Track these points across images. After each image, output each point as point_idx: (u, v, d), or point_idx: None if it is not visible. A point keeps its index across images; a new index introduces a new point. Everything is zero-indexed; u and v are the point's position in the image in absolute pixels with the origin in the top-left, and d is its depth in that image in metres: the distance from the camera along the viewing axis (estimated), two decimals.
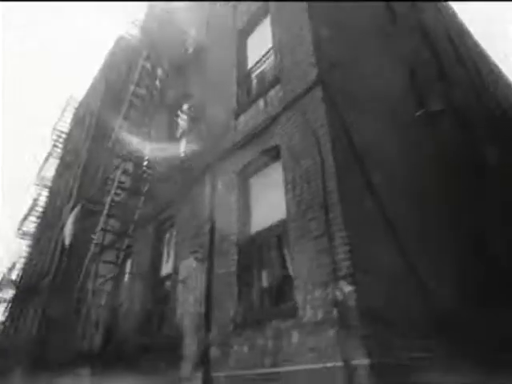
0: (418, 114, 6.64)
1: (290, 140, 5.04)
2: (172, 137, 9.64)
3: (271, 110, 5.66)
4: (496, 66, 20.25)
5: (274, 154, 5.35)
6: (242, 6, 8.12)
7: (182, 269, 6.27)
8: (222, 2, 9.13)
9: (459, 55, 13.79)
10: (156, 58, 10.43)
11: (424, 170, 6.40)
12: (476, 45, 18.64)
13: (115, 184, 9.14)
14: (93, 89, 21.14)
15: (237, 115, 6.61)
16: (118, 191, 9.29)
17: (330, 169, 4.07)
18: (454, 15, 17.54)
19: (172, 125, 9.89)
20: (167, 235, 8.03)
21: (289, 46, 5.85)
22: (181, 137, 9.28)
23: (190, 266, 5.95)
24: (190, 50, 9.64)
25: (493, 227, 8.01)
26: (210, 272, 5.44)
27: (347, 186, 4.08)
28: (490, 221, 8.00)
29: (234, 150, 6.17)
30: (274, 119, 5.47)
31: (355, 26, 7.08)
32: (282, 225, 4.62)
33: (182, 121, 9.51)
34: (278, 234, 4.77)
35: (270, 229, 4.98)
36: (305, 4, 5.80)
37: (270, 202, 5.27)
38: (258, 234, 5.21)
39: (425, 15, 12.44)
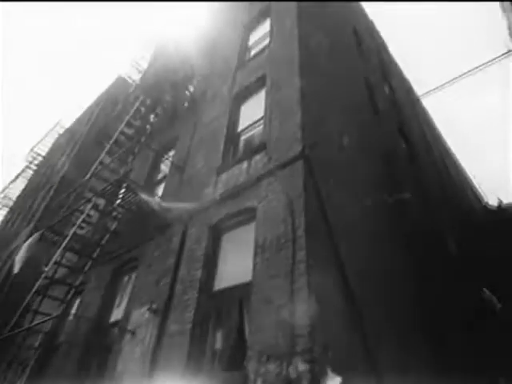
0: (389, 199, 7.09)
1: (266, 204, 5.22)
2: (151, 180, 9.70)
3: (254, 173, 5.91)
4: (459, 164, 22.35)
5: (249, 215, 5.48)
6: (243, 75, 8.84)
7: (134, 317, 5.91)
8: (223, 70, 9.89)
9: (429, 147, 15.24)
10: (151, 104, 10.85)
11: (391, 251, 6.69)
12: (444, 142, 20.75)
13: (82, 217, 8.87)
14: (82, 119, 21.31)
15: (219, 172, 6.83)
16: (83, 224, 8.99)
17: (301, 239, 4.20)
18: (425, 113, 19.72)
19: (154, 168, 9.99)
20: (125, 278, 7.68)
21: (279, 118, 6.32)
22: (160, 182, 9.36)
23: (143, 315, 5.63)
24: (186, 104, 10.14)
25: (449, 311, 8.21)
26: (162, 326, 5.16)
27: (316, 259, 4.18)
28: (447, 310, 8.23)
29: (211, 205, 6.27)
30: (254, 182, 5.69)
31: (342, 110, 7.82)
32: (246, 287, 4.58)
33: (165, 166, 9.66)
34: (240, 296, 4.70)
35: (233, 289, 4.91)
36: (298, 84, 6.41)
37: (237, 262, 5.26)
38: (221, 292, 5.11)
39: (404, 111, 13.91)
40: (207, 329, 4.83)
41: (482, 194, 23.82)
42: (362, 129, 8.53)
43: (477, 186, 22.63)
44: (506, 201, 18.91)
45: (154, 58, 15.05)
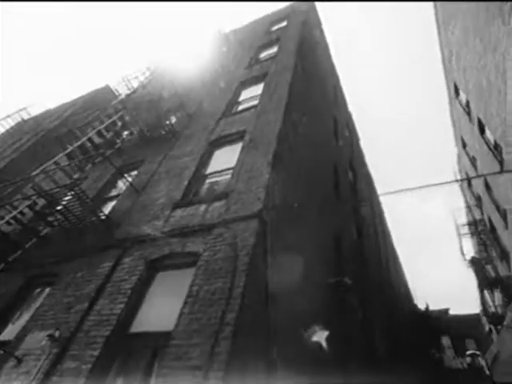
0: (331, 280, 7.21)
1: (212, 254, 5.09)
2: (103, 194, 9.24)
3: (208, 219, 5.83)
4: (399, 263, 23.64)
5: (191, 259, 5.28)
6: (225, 124, 9.12)
7: (28, 342, 5.17)
8: (209, 113, 10.19)
9: (378, 243, 16.04)
10: (129, 122, 10.73)
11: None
12: (392, 241, 22.06)
13: (14, 213, 8.09)
14: (53, 113, 20.47)
15: (175, 207, 6.67)
16: (12, 221, 8.17)
17: (235, 300, 4.06)
18: (380, 208, 21.13)
19: (110, 184, 9.59)
20: (35, 292, 6.86)
21: (247, 175, 6.45)
22: (111, 199, 8.93)
23: (39, 342, 4.94)
24: (163, 132, 10.15)
25: None
26: (58, 360, 4.54)
27: (245, 325, 4.02)
28: None
29: (156, 238, 6.00)
30: (206, 228, 5.59)
31: (306, 187, 8.17)
32: (166, 337, 4.24)
33: (122, 184, 9.31)
34: (156, 346, 4.32)
35: (151, 336, 4.52)
36: (273, 150, 6.69)
37: (164, 307, 4.92)
38: (137, 335, 4.68)
39: (362, 208, 14.81)
40: (107, 374, 4.31)
41: (414, 295, 25.10)
42: (320, 208, 8.89)
43: (410, 289, 23.82)
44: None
45: (147, 80, 15.22)
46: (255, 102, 9.49)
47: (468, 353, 24.18)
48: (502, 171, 11.02)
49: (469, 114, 15.17)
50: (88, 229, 7.32)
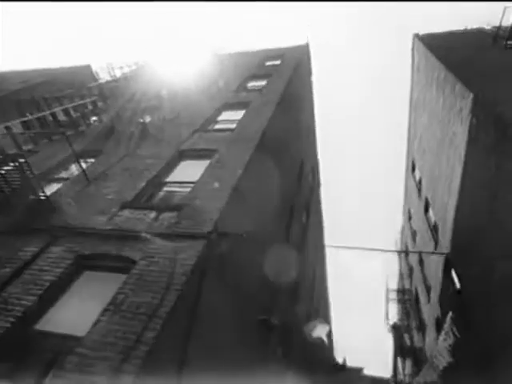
0: (259, 318, 7.18)
1: (148, 264, 4.89)
2: (50, 174, 8.67)
3: (155, 228, 5.66)
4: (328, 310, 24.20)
5: (124, 265, 5.04)
6: (198, 138, 9.12)
7: None
8: (184, 124, 10.16)
9: (312, 291, 16.37)
10: (101, 109, 10.37)
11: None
12: (327, 293, 22.65)
13: None
14: (23, 75, 19.21)
15: (124, 207, 6.41)
16: None
17: (158, 320, 3.90)
18: (323, 256, 21.78)
19: (61, 166, 9.04)
20: None
21: (207, 193, 6.42)
22: (58, 180, 8.40)
23: None
24: (133, 129, 9.89)
25: None
26: None
27: (162, 349, 3.84)
28: None
29: (93, 234, 5.67)
30: (149, 236, 5.40)
31: (261, 222, 8.26)
32: (74, 343, 3.91)
33: (75, 169, 8.82)
34: (60, 350, 3.95)
35: (57, 337, 4.14)
36: (237, 177, 6.77)
37: (82, 308, 4.59)
38: (41, 334, 4.27)
39: (309, 245, 15.21)
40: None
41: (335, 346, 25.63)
42: (267, 244, 9.00)
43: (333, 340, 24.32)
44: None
45: (131, 74, 14.94)
46: (232, 126, 9.65)
47: None
48: (434, 252, 11.96)
49: (419, 190, 16.50)
50: (22, 205, 6.76)
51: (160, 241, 5.34)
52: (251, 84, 14.11)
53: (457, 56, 11.87)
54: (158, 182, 7.52)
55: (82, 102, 10.08)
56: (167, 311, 4.00)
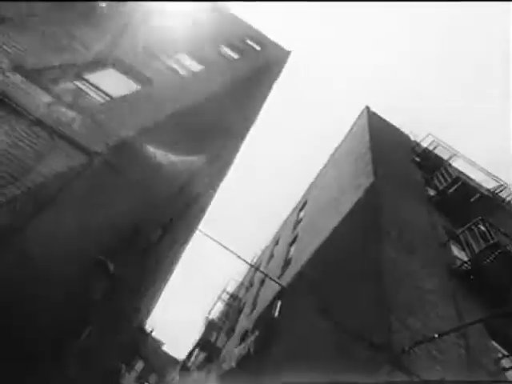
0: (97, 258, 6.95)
1: None
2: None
3: None
4: None
5: None
6: None
7: None
8: None
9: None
10: None
11: None
12: None
13: None
14: None
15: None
16: None
17: None
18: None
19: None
20: None
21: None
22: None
23: None
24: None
25: None
26: None
27: None
28: None
29: None
30: None
31: None
32: None
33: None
34: None
35: None
36: None
37: None
38: None
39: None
40: None
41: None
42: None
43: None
44: None
45: None
46: (184, 73, 9.19)
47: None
48: (275, 280, 13.34)
49: (295, 227, 18.26)
50: None
51: None
52: (223, 50, 13.69)
53: (381, 148, 13.68)
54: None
55: None
56: None
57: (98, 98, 6.46)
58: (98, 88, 6.73)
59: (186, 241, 21.03)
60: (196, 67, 10.30)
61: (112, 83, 7.25)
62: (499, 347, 6.02)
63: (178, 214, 14.02)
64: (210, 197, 21.22)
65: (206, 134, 11.37)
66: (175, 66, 9.53)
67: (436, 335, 4.35)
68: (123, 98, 6.61)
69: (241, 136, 20.04)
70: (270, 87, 19.83)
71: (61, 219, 5.20)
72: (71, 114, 5.40)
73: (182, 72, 9.28)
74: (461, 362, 4.88)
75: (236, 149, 21.11)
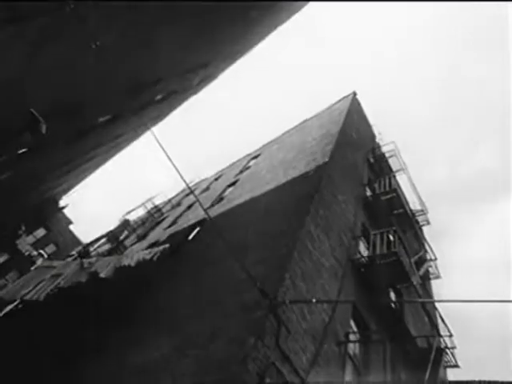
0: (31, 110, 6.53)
1: None
2: None
3: None
4: None
5: None
6: None
7: None
8: None
9: None
10: None
11: None
12: None
13: None
14: None
15: None
16: None
17: None
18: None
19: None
20: None
21: None
22: None
23: None
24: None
25: None
26: None
27: None
28: None
29: None
30: None
31: None
32: None
33: None
34: None
35: None
36: None
37: None
38: None
39: None
40: None
41: None
42: None
43: None
44: None
45: None
46: None
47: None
48: (205, 210, 13.79)
49: (240, 173, 18.61)
50: None
51: None
52: None
53: (348, 136, 14.22)
54: None
55: None
56: None
57: None
58: None
59: (134, 137, 20.29)
60: None
61: None
62: (353, 324, 7.33)
63: (135, 108, 13.38)
64: (173, 106, 20.37)
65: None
66: None
67: (313, 300, 5.14)
68: None
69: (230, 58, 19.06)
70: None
71: None
72: None
73: None
74: (321, 325, 5.91)
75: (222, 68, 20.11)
